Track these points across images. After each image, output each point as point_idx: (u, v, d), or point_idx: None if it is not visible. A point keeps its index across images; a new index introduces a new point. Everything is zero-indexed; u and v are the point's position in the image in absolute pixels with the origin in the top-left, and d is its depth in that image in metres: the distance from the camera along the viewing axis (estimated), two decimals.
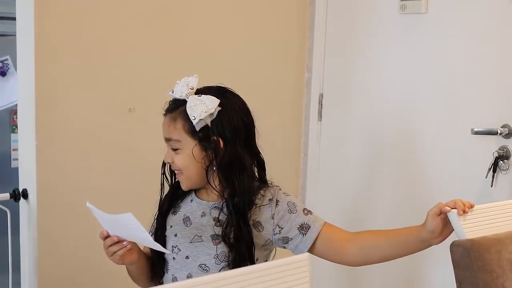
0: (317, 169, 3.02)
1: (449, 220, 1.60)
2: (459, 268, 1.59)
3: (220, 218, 1.64)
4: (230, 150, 1.63)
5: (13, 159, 3.18)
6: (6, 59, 3.21)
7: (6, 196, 2.35)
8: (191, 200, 1.71)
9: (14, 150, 3.19)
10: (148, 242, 1.55)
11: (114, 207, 2.42)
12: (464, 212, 1.55)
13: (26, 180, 2.38)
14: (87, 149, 2.41)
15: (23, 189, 2.36)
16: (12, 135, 3.25)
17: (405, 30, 2.65)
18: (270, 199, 1.67)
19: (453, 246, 1.60)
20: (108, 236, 1.59)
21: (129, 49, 2.47)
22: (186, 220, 1.69)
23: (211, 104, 1.60)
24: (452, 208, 1.57)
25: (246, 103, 1.78)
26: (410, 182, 2.67)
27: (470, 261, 1.56)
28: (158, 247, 1.53)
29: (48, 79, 2.30)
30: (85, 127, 2.40)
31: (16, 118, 3.00)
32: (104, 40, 2.41)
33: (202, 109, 1.58)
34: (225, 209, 1.64)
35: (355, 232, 1.73)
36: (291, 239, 1.67)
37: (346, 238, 1.69)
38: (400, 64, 2.68)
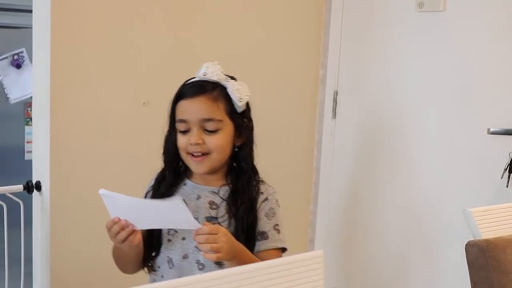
0: (331, 167, 3.00)
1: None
2: (474, 268, 1.58)
3: (215, 201, 1.68)
4: (253, 132, 1.73)
5: (27, 152, 3.19)
6: (21, 52, 3.22)
7: (19, 188, 2.36)
8: (185, 184, 1.73)
9: (28, 142, 3.21)
10: (192, 224, 1.51)
11: None
12: None
13: (40, 172, 2.38)
14: (101, 142, 2.41)
15: (37, 181, 2.37)
16: (26, 127, 3.27)
17: (422, 27, 2.63)
18: (262, 193, 1.71)
19: (469, 246, 1.59)
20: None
21: (145, 43, 2.47)
22: None
23: (247, 89, 1.71)
24: None
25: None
26: (425, 181, 2.65)
27: (486, 262, 1.55)
28: (197, 225, 1.51)
29: (63, 72, 2.30)
30: (100, 120, 2.40)
31: (30, 110, 3.01)
32: (120, 34, 2.41)
33: (245, 93, 1.69)
34: (221, 193, 1.68)
35: None
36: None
37: None
38: (416, 62, 2.66)
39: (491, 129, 2.38)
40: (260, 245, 1.67)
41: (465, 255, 1.61)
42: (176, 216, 1.51)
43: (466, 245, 1.60)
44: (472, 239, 1.61)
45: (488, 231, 1.60)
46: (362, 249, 2.90)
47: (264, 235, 1.67)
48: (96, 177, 2.41)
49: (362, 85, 2.88)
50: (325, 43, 2.97)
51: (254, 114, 2.73)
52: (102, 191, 1.53)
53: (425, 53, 2.62)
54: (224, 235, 1.50)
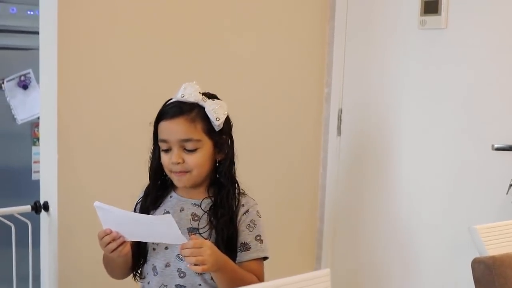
0: (336, 185, 3.01)
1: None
2: (480, 285, 1.58)
3: (197, 214, 1.75)
4: (232, 148, 1.79)
5: (34, 172, 3.20)
6: (28, 73, 3.25)
7: (27, 208, 2.37)
8: (171, 196, 1.82)
9: (35, 162, 3.22)
10: (179, 239, 1.58)
11: None
12: None
13: (47, 192, 2.39)
14: (108, 162, 2.42)
15: (44, 202, 2.38)
16: (33, 147, 3.28)
17: (425, 45, 2.64)
18: (242, 205, 1.77)
19: (475, 263, 1.59)
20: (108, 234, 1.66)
21: (151, 63, 2.49)
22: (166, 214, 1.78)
23: (225, 107, 1.77)
24: None
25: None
26: (430, 198, 2.66)
27: (492, 279, 1.55)
28: (184, 240, 1.58)
29: (70, 93, 2.33)
30: (106, 141, 2.41)
31: (38, 131, 3.02)
32: (126, 55, 2.43)
33: (222, 112, 1.75)
34: (203, 206, 1.75)
35: None
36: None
37: None
38: (419, 79, 2.68)
39: (496, 145, 2.39)
40: (243, 256, 1.73)
41: (471, 272, 1.61)
42: (165, 230, 1.59)
43: (472, 262, 1.60)
44: (478, 256, 1.61)
45: (494, 248, 1.61)
46: (368, 267, 2.90)
47: (246, 246, 1.74)
48: (103, 197, 2.40)
49: (367, 103, 2.89)
50: (329, 61, 2.99)
51: (259, 132, 2.77)
52: (97, 203, 1.63)
53: (428, 70, 2.64)
54: (209, 248, 1.58)
